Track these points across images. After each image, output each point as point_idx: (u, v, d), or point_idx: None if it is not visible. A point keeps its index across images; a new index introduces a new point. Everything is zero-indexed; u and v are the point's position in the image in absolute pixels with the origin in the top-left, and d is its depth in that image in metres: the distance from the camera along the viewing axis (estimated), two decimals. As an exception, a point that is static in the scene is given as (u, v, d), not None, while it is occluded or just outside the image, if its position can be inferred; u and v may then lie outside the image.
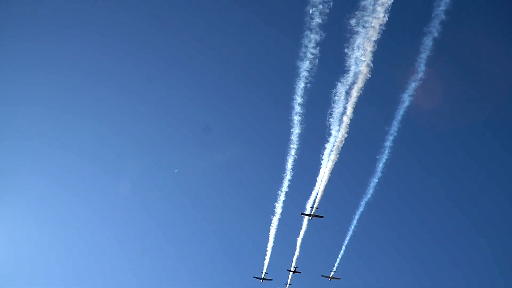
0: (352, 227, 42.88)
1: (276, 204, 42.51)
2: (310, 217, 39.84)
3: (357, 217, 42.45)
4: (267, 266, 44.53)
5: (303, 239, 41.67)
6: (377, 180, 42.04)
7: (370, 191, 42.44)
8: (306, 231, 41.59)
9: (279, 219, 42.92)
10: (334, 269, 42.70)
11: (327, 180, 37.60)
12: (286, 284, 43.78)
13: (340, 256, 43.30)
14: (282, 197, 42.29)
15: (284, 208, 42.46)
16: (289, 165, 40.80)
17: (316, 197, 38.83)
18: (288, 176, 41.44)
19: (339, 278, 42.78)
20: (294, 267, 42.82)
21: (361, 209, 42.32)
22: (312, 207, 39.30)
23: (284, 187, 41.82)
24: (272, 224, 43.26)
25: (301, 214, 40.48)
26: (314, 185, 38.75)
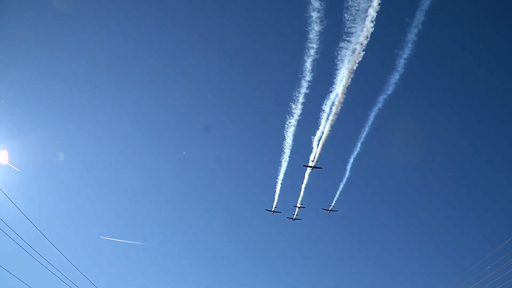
0: (347, 173, 52.71)
1: (283, 156, 50.38)
2: (311, 168, 47.20)
3: (349, 166, 52.42)
4: (277, 200, 52.85)
5: (307, 183, 49.49)
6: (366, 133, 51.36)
7: (358, 146, 52.06)
8: (309, 177, 49.47)
9: (285, 170, 50.60)
10: (333, 204, 52.71)
11: (325, 138, 45.82)
12: (294, 215, 53.17)
13: (337, 195, 53.09)
14: (288, 146, 49.88)
15: (290, 159, 50.67)
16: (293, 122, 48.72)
17: (316, 152, 46.35)
18: (292, 130, 49.46)
19: (337, 211, 52.75)
20: (299, 203, 51.64)
21: (351, 161, 52.33)
22: (312, 161, 46.76)
23: (289, 140, 49.82)
24: (280, 171, 51.07)
25: (304, 165, 48.00)
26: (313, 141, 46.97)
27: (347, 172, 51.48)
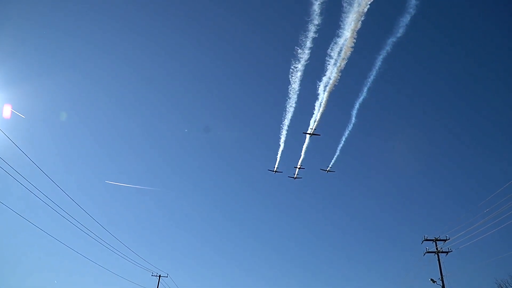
0: (342, 140, 55.66)
1: (284, 122, 52.61)
2: (310, 135, 49.93)
3: (346, 133, 55.26)
4: (279, 161, 56.09)
5: (306, 147, 52.40)
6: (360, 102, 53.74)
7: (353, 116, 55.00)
8: (309, 140, 51.80)
9: (286, 133, 52.85)
10: (330, 165, 56.74)
11: (324, 107, 46.89)
12: (294, 174, 56.63)
13: (334, 157, 56.86)
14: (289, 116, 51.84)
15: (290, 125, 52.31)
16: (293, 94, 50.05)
17: (315, 120, 48.68)
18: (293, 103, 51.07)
19: (334, 171, 56.81)
20: (299, 165, 55.06)
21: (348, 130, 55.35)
22: (311, 128, 49.14)
23: (290, 111, 51.44)
24: (281, 136, 53.46)
25: (303, 133, 50.53)
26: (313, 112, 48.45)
27: (344, 139, 54.80)
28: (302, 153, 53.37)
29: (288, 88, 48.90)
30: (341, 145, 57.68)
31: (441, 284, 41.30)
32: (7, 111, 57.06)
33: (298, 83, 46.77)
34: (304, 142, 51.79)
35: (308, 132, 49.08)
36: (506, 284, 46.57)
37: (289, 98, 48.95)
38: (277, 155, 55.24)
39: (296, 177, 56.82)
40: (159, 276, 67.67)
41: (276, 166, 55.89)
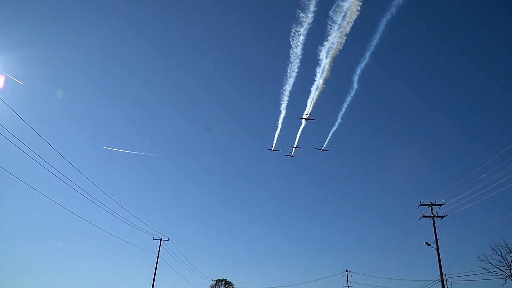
0: (337, 123, 58.53)
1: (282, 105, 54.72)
2: (306, 120, 52.23)
3: (339, 117, 58.74)
4: (276, 140, 58.63)
5: (302, 130, 54.54)
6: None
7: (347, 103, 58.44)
8: (306, 122, 53.97)
9: (283, 118, 55.20)
10: (324, 145, 59.47)
11: (319, 93, 48.55)
12: (291, 153, 60.47)
13: (328, 137, 59.69)
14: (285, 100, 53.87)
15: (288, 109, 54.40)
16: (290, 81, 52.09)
17: (310, 105, 50.94)
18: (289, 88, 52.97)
19: (328, 150, 59.98)
20: (296, 144, 58.28)
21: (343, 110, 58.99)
22: (307, 114, 51.44)
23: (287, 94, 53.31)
24: (279, 121, 56.06)
25: (299, 118, 52.85)
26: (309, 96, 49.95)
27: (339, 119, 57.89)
28: (298, 135, 56.35)
29: (289, 52, 48.17)
30: (342, 112, 59.51)
31: (436, 248, 42.82)
32: (2, 78, 55.59)
33: (301, 46, 45.68)
34: (301, 125, 54.29)
35: (304, 117, 51.41)
36: (500, 248, 48.34)
37: (291, 62, 48.72)
38: (274, 135, 58.23)
39: (293, 155, 59.83)
40: (160, 239, 69.42)
41: (273, 145, 58.90)
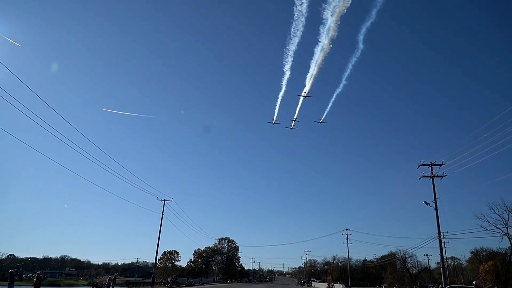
0: (332, 101, 63.87)
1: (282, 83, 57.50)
2: (304, 97, 54.04)
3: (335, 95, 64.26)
4: (277, 114, 60.98)
5: (301, 104, 56.26)
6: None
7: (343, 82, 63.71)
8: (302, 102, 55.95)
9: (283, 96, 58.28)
10: (323, 117, 62.32)
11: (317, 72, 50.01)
12: (291, 125, 62.34)
13: (326, 110, 63.54)
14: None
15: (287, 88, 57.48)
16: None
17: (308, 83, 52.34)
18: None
19: (326, 122, 62.70)
20: (295, 118, 60.37)
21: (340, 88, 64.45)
22: (305, 92, 53.38)
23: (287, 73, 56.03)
24: (279, 96, 58.90)
25: (298, 95, 54.76)
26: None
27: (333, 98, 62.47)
28: (297, 109, 58.35)
29: (293, 10, 46.76)
30: (347, 73, 61.33)
31: (435, 207, 43.48)
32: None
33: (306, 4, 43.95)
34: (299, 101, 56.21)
35: (302, 94, 53.14)
36: (498, 207, 48.83)
37: (294, 21, 47.89)
38: (275, 108, 60.63)
39: (292, 127, 61.93)
40: (164, 200, 70.81)
41: (274, 118, 61.13)
